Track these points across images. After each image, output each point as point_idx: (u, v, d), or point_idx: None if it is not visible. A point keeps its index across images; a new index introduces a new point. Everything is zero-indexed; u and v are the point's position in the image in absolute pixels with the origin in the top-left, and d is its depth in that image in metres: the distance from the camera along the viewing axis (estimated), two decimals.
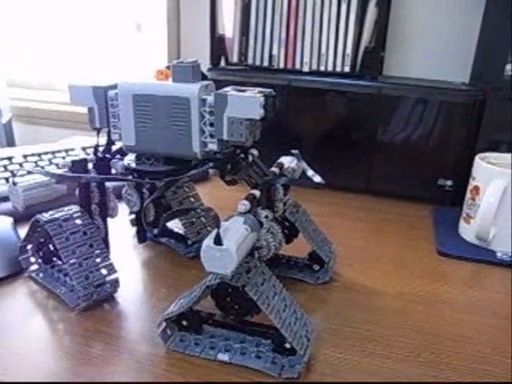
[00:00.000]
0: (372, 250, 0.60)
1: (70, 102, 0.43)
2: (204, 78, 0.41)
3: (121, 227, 0.59)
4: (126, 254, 0.57)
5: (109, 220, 0.50)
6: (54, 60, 1.32)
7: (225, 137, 0.38)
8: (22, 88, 1.35)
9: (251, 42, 0.81)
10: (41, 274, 0.50)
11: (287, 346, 0.38)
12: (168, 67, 0.41)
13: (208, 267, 0.34)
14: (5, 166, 0.73)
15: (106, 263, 0.46)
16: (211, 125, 0.39)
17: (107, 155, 0.46)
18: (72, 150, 0.81)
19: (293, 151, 0.49)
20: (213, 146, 0.39)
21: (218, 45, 0.84)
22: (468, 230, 0.63)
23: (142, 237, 0.55)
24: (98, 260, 0.46)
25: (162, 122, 0.40)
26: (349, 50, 0.77)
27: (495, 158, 0.64)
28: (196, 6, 1.02)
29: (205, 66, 0.84)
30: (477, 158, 0.63)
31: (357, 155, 0.77)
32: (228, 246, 0.33)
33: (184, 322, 0.41)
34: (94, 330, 0.42)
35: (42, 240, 0.50)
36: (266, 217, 0.40)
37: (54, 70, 1.33)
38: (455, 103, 0.71)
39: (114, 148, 0.47)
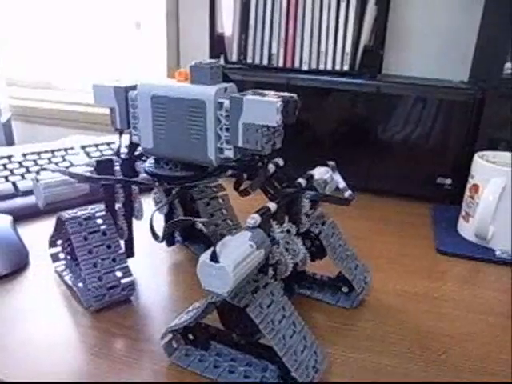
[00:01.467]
0: (371, 248, 0.60)
1: (94, 103, 0.42)
2: (226, 79, 0.38)
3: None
4: (151, 256, 0.55)
5: (137, 222, 0.49)
6: (54, 58, 1.30)
7: (240, 144, 0.36)
8: (21, 87, 1.33)
9: (250, 40, 0.80)
10: (66, 270, 0.50)
11: (293, 374, 0.34)
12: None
13: (204, 285, 0.31)
14: (4, 165, 0.72)
15: (122, 266, 0.45)
16: (228, 130, 0.37)
17: (132, 157, 0.45)
18: (71, 148, 0.80)
19: (328, 162, 0.46)
20: (229, 153, 0.37)
21: (217, 43, 0.83)
22: (467, 228, 0.63)
23: (169, 240, 0.54)
24: (115, 262, 0.45)
25: (179, 125, 0.38)
26: (348, 49, 0.76)
27: (494, 156, 0.64)
28: (195, 4, 1.01)
29: None
30: (476, 156, 0.63)
31: (356, 154, 0.76)
32: (224, 264, 0.30)
33: (190, 336, 0.39)
34: (107, 331, 0.42)
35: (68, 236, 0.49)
36: (288, 231, 0.38)
37: (53, 69, 1.31)
38: (454, 102, 0.71)
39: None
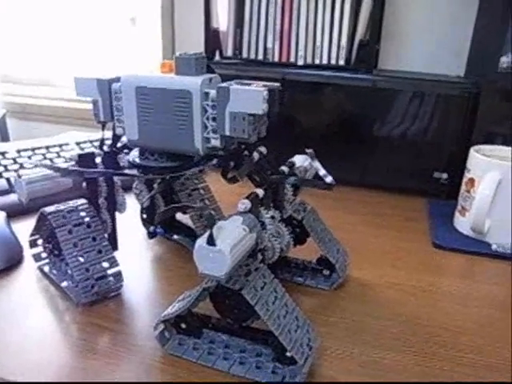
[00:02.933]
0: (368, 242, 0.60)
1: (76, 95, 0.42)
2: (210, 71, 0.39)
3: (131, 222, 0.58)
4: (134, 249, 0.56)
5: (119, 215, 0.50)
6: (49, 55, 1.30)
7: (227, 132, 0.37)
8: (16, 84, 1.34)
9: (246, 35, 0.80)
10: (49, 267, 0.50)
11: (288, 354, 0.36)
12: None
13: (201, 268, 0.32)
14: None
15: (109, 256, 0.45)
16: (214, 119, 0.37)
17: (114, 149, 0.45)
18: (66, 144, 0.81)
19: (307, 150, 0.47)
20: (216, 142, 0.38)
21: (212, 38, 0.83)
22: (463, 223, 0.63)
23: (151, 232, 0.54)
24: (101, 254, 0.45)
25: (165, 116, 0.39)
26: (344, 43, 0.77)
27: (490, 150, 0.64)
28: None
29: None
30: (472, 150, 0.63)
31: (352, 148, 0.76)
32: (221, 247, 0.31)
33: (183, 325, 0.40)
34: (96, 324, 0.42)
35: (51, 233, 0.49)
36: (273, 217, 0.39)
37: (48, 65, 1.31)
38: (450, 96, 0.71)
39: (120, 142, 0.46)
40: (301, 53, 0.79)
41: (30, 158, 0.75)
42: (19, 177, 0.45)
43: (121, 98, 0.41)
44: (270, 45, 0.80)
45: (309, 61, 0.79)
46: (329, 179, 0.42)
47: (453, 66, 0.86)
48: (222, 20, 0.83)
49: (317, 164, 0.46)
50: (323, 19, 0.77)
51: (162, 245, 0.57)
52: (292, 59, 0.80)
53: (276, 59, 0.81)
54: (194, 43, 0.96)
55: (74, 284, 0.47)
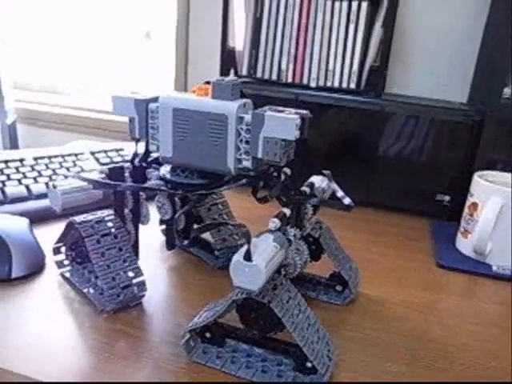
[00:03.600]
0: (374, 261, 0.62)
1: (113, 112, 0.44)
2: (243, 96, 0.41)
3: (149, 234, 0.60)
4: (154, 260, 0.58)
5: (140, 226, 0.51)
6: (60, 63, 1.33)
7: (259, 155, 0.39)
8: (27, 90, 1.36)
9: (261, 55, 0.83)
10: (72, 274, 0.52)
11: (308, 364, 0.38)
12: (207, 82, 0.42)
13: (236, 282, 0.34)
14: (16, 168, 0.74)
15: (134, 266, 0.47)
16: (247, 142, 0.39)
17: (144, 164, 0.47)
18: (81, 154, 0.82)
19: (324, 171, 0.49)
20: (247, 163, 0.40)
21: (227, 57, 0.86)
22: (465, 244, 0.65)
23: (170, 244, 0.56)
24: (126, 263, 0.47)
25: (200, 136, 0.41)
26: (355, 68, 0.80)
27: (493, 176, 0.67)
28: (205, 16, 1.04)
29: (213, 76, 0.87)
30: (475, 175, 0.65)
31: (359, 169, 0.79)
32: (257, 263, 0.33)
33: (208, 334, 0.41)
34: (119, 330, 0.44)
35: (76, 241, 0.51)
36: (295, 235, 0.41)
37: (59, 73, 1.34)
38: (455, 123, 0.74)
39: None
40: (314, 75, 0.82)
41: (47, 166, 0.77)
42: (54, 187, 0.46)
43: (157, 117, 0.43)
44: (284, 66, 0.83)
45: (321, 83, 0.82)
46: (347, 201, 0.44)
47: (456, 92, 0.90)
48: (239, 40, 0.86)
49: (334, 185, 0.48)
50: (336, 44, 0.80)
51: (178, 256, 0.59)
52: (305, 81, 0.83)
53: (289, 80, 0.84)
54: (207, 60, 1.00)
55: (98, 291, 0.48)
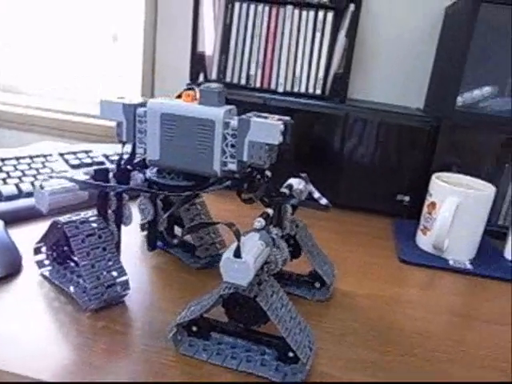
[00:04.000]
0: (341, 258, 0.66)
1: (100, 116, 0.46)
2: (227, 102, 0.43)
3: (130, 235, 0.61)
4: (135, 260, 0.59)
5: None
6: (24, 64, 1.30)
7: (245, 158, 0.41)
8: None
9: (230, 61, 0.86)
10: (53, 274, 0.52)
11: (290, 354, 0.40)
12: (189, 88, 0.44)
13: (226, 277, 0.37)
14: None
15: (117, 266, 0.48)
16: (232, 146, 0.42)
17: (129, 167, 0.48)
18: (50, 155, 0.81)
19: (301, 174, 0.52)
20: (232, 166, 0.42)
21: (196, 61, 0.88)
22: (425, 240, 0.70)
23: (152, 245, 0.57)
24: (110, 263, 0.48)
25: (187, 140, 0.43)
26: (321, 75, 0.84)
27: (449, 177, 0.72)
28: (173, 20, 1.05)
29: (182, 80, 0.89)
30: (433, 177, 0.70)
31: (325, 171, 0.83)
32: (247, 259, 0.36)
33: (194, 328, 0.43)
34: (102, 327, 0.45)
35: (57, 241, 0.51)
36: (276, 234, 0.43)
37: (18, 73, 1.31)
38: (414, 128, 0.79)
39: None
40: (281, 80, 0.85)
41: (15, 167, 0.76)
42: (42, 188, 0.47)
43: (145, 121, 0.44)
44: (252, 71, 0.86)
45: (288, 88, 0.86)
46: (324, 201, 0.47)
47: (414, 98, 0.96)
48: (208, 44, 0.88)
49: (311, 187, 0.51)
50: (303, 51, 0.83)
51: (158, 257, 0.60)
52: (273, 86, 0.86)
53: (258, 85, 0.87)
54: (176, 64, 1.01)
55: (80, 290, 0.49)
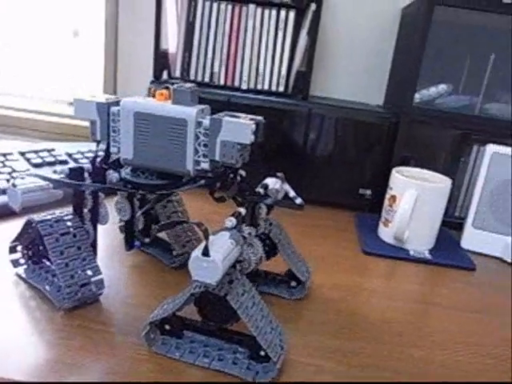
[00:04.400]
0: (306, 251, 0.66)
1: (75, 115, 0.45)
2: (200, 101, 0.44)
3: (108, 235, 0.61)
4: (112, 259, 0.59)
5: (98, 226, 0.52)
6: None
7: (217, 158, 0.42)
8: None
9: (194, 58, 0.86)
10: (28, 274, 0.52)
11: (262, 353, 0.41)
12: (167, 87, 0.44)
13: (195, 276, 0.37)
14: None
15: (92, 265, 0.48)
16: (205, 146, 0.42)
17: (104, 166, 0.48)
18: (10, 154, 0.80)
19: (278, 174, 0.53)
20: (205, 165, 0.43)
21: (160, 59, 0.88)
22: (386, 232, 0.73)
23: (129, 244, 0.57)
24: (85, 262, 0.48)
25: (160, 139, 0.43)
26: (283, 72, 0.86)
27: (408, 171, 0.75)
28: (135, 16, 1.05)
29: (145, 77, 0.89)
30: (393, 171, 0.73)
31: (288, 167, 0.84)
32: (215, 258, 0.36)
33: (167, 327, 0.43)
34: (77, 325, 0.45)
35: (33, 240, 0.51)
36: (250, 233, 0.44)
37: None
38: (373, 124, 0.82)
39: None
40: (245, 78, 0.87)
41: None
42: (14, 186, 0.46)
43: (118, 120, 0.44)
44: (216, 69, 0.87)
45: (251, 86, 0.87)
46: (298, 200, 0.48)
47: (373, 95, 0.99)
48: (171, 42, 0.88)
49: (287, 187, 0.51)
50: (266, 49, 0.85)
51: (136, 256, 0.61)
52: (236, 83, 0.87)
53: (222, 82, 0.88)
54: (138, 60, 1.01)
55: (55, 289, 0.49)
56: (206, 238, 0.37)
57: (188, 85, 0.44)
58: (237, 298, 0.40)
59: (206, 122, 0.42)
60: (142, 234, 0.53)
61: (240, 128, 0.41)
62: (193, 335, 0.44)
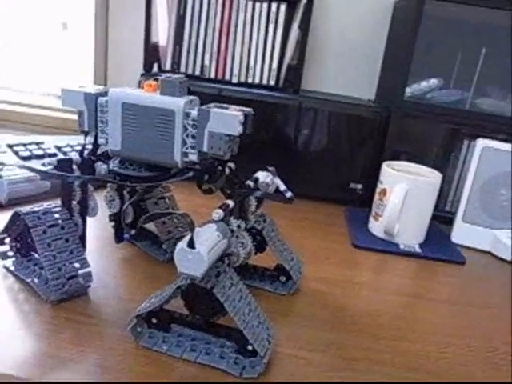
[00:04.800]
0: (296, 244, 0.67)
1: (62, 105, 0.45)
2: (190, 92, 0.44)
3: (98, 227, 0.61)
4: (102, 252, 0.58)
5: (88, 219, 0.51)
6: None
7: (205, 149, 0.42)
8: None
9: (184, 51, 0.86)
10: (16, 266, 0.51)
11: (249, 348, 0.40)
12: (156, 79, 0.43)
13: (180, 268, 0.37)
14: None
15: (80, 257, 0.48)
16: (193, 137, 0.42)
17: (92, 157, 0.47)
18: None
19: (269, 168, 0.52)
20: (193, 157, 0.43)
21: (151, 52, 0.88)
22: (377, 226, 0.74)
23: (119, 237, 0.57)
24: (73, 254, 0.47)
25: (148, 130, 0.43)
26: (274, 65, 0.86)
27: (398, 165, 0.75)
28: (125, 8, 1.04)
29: (135, 70, 0.89)
30: (384, 165, 0.73)
31: (279, 160, 0.82)
32: (200, 250, 0.36)
33: (154, 320, 0.43)
34: (65, 318, 0.45)
35: (21, 232, 0.51)
36: (239, 226, 0.44)
37: None
38: (364, 118, 0.82)
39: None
40: (235, 71, 0.86)
41: None
42: (0, 177, 0.47)
43: (106, 111, 0.44)
44: (206, 62, 0.86)
45: (242, 79, 0.87)
46: (288, 194, 0.47)
47: (365, 90, 0.99)
48: (162, 35, 0.87)
49: (277, 180, 0.51)
50: (257, 43, 0.85)
51: (127, 249, 0.60)
52: (227, 77, 0.87)
53: (212, 76, 0.87)
54: (128, 53, 1.00)
55: (43, 282, 0.49)
56: (192, 229, 0.37)
57: (176, 76, 0.43)
58: (223, 290, 0.39)
59: (194, 112, 0.42)
60: (129, 226, 0.53)
61: (228, 119, 0.41)
62: (180, 329, 0.44)
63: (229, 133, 0.42)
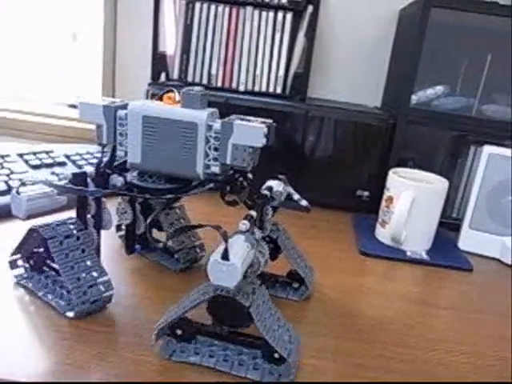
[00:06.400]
0: (305, 252, 0.64)
1: (79, 118, 0.45)
2: (209, 105, 0.44)
3: (106, 238, 0.60)
4: (113, 263, 0.58)
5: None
6: None
7: (228, 161, 0.42)
8: None
9: (192, 60, 0.86)
10: (33, 283, 0.51)
11: (276, 355, 0.41)
12: (170, 90, 0.45)
13: (214, 280, 0.37)
14: None
15: (97, 267, 0.48)
16: (215, 149, 0.42)
17: (108, 170, 0.47)
18: (7, 156, 0.80)
19: (280, 176, 0.53)
20: (215, 169, 0.43)
21: (159, 61, 0.89)
22: (383, 233, 0.74)
23: (130, 248, 0.57)
24: (90, 264, 0.47)
25: (169, 143, 0.43)
26: (281, 73, 0.86)
27: (405, 172, 0.76)
28: (133, 19, 1.05)
29: (143, 80, 0.91)
30: (390, 172, 0.74)
31: (286, 168, 0.82)
32: (234, 262, 0.36)
33: (178, 332, 0.43)
34: (84, 328, 0.45)
35: (35, 248, 0.50)
36: (260, 236, 0.43)
37: None
38: (371, 125, 0.83)
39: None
40: (242, 80, 0.88)
41: None
42: (18, 193, 0.45)
43: (125, 124, 0.44)
44: (214, 71, 0.87)
45: (249, 87, 0.88)
46: (304, 203, 0.48)
47: (371, 97, 1.01)
48: (169, 44, 0.88)
49: (290, 189, 0.52)
50: (263, 51, 0.86)
51: (138, 260, 0.61)
52: (234, 85, 0.88)
53: (219, 84, 0.88)
54: (136, 63, 1.02)
55: (58, 296, 0.49)
56: (226, 240, 0.37)
57: (197, 88, 0.44)
58: (258, 310, 0.40)
59: (217, 125, 0.43)
60: (148, 240, 0.54)
61: (252, 131, 0.42)
62: (205, 339, 0.44)
63: (253, 145, 0.42)
